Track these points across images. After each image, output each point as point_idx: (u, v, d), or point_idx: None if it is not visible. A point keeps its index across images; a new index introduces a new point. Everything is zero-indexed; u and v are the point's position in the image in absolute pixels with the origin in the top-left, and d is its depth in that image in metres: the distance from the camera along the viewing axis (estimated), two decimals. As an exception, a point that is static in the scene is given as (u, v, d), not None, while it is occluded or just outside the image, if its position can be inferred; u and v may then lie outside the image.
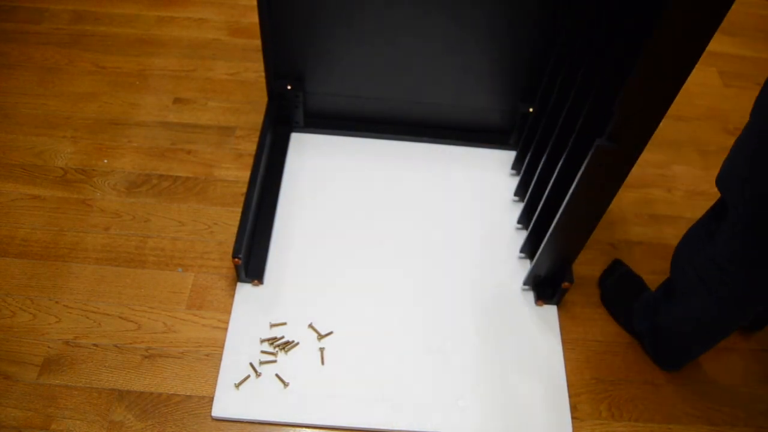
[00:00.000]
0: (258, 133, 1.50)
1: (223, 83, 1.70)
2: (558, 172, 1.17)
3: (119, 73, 1.70)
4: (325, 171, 1.50)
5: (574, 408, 1.19)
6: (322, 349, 1.21)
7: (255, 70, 1.74)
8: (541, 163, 1.28)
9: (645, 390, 1.23)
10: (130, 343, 1.21)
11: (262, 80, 1.65)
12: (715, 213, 1.05)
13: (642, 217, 1.52)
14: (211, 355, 1.20)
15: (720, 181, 0.97)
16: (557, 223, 1.14)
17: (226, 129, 1.59)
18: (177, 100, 1.65)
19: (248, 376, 1.17)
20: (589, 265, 1.40)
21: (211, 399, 1.14)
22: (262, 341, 1.21)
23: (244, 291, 1.28)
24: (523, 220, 1.42)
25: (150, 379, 1.17)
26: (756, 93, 0.90)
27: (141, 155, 1.52)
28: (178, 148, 1.54)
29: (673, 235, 1.48)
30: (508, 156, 1.57)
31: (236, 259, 1.21)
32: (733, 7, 0.78)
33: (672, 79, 0.85)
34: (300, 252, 1.35)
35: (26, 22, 1.81)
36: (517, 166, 1.52)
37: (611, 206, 1.17)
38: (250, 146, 1.56)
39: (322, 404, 1.14)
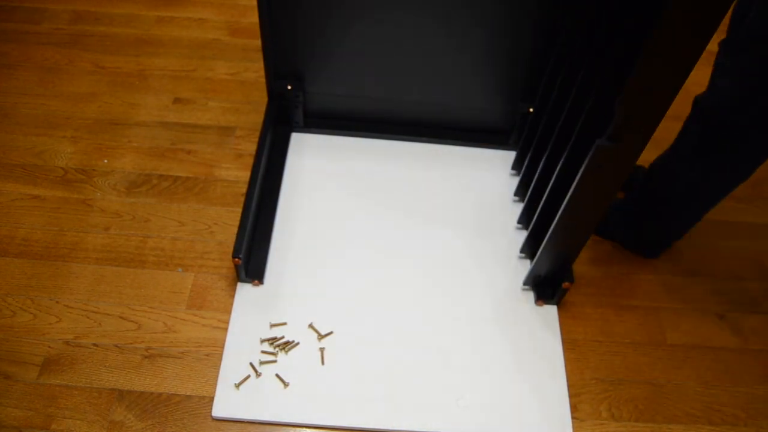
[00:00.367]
0: (258, 133, 1.50)
1: (223, 83, 1.70)
2: (558, 172, 1.17)
3: (119, 73, 1.70)
4: (325, 171, 1.50)
5: (574, 408, 1.19)
6: (322, 349, 1.21)
7: (255, 70, 1.74)
8: (541, 163, 1.28)
9: (645, 390, 1.23)
10: (131, 343, 1.21)
11: (262, 80, 1.65)
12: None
13: (642, 217, 1.52)
14: (211, 355, 1.20)
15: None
16: (557, 223, 1.14)
17: (226, 129, 1.59)
18: (177, 100, 1.65)
19: (248, 376, 1.17)
20: (589, 265, 1.40)
21: (212, 399, 1.14)
22: (262, 341, 1.21)
23: (244, 291, 1.28)
24: (523, 220, 1.42)
25: (150, 379, 1.17)
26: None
27: (141, 155, 1.52)
28: (178, 148, 1.54)
29: (673, 235, 1.48)
30: (508, 156, 1.57)
31: (236, 259, 1.21)
32: (734, 7, 0.78)
33: (672, 79, 0.85)
34: (300, 252, 1.35)
35: (26, 22, 1.81)
36: (517, 166, 1.52)
37: (611, 206, 1.18)
38: (250, 146, 1.56)
39: (322, 404, 1.14)
